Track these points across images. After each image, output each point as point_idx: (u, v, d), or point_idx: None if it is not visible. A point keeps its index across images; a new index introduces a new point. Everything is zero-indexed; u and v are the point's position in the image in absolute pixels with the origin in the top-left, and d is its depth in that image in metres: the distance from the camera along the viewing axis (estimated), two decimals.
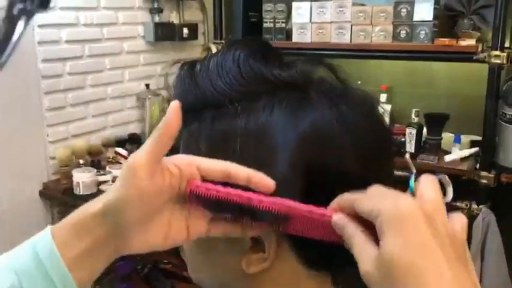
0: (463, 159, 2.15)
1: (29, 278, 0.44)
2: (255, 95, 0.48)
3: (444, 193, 1.99)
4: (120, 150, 2.42)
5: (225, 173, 0.45)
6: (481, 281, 1.89)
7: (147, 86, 2.63)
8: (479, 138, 2.14)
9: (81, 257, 0.45)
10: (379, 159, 0.49)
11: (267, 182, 0.44)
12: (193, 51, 2.85)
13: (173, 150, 0.48)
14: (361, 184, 0.42)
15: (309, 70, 0.50)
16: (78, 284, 0.45)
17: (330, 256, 0.49)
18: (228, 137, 0.47)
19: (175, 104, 0.44)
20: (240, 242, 0.49)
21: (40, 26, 2.14)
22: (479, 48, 2.02)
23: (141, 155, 0.43)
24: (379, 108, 0.52)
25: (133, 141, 2.48)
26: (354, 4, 2.30)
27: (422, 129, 2.23)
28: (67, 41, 2.26)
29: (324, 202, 0.45)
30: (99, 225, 0.45)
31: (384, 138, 0.51)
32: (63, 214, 2.31)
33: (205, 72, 0.49)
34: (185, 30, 2.71)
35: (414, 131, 2.19)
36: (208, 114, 0.48)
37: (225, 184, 0.45)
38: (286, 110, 0.46)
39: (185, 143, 0.50)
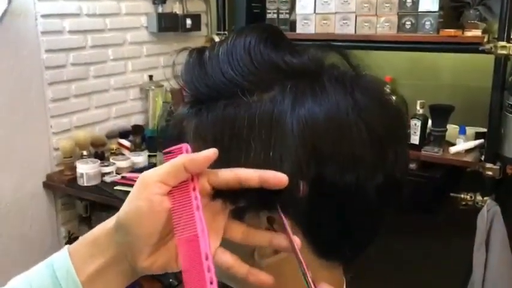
0: (468, 151, 2.14)
1: None
2: (267, 84, 0.46)
3: None
4: (124, 141, 2.42)
5: (235, 180, 0.43)
6: (485, 273, 1.89)
7: (151, 77, 2.62)
8: (484, 129, 2.13)
9: (95, 276, 0.44)
10: (394, 144, 0.48)
11: (280, 178, 0.42)
12: (196, 42, 2.83)
13: (178, 139, 0.47)
14: (377, 170, 0.42)
15: (320, 56, 0.49)
16: None
17: (341, 245, 0.49)
18: (240, 128, 0.45)
19: (212, 153, 0.43)
20: None
21: (43, 16, 2.13)
22: (485, 39, 2.00)
23: (155, 172, 0.43)
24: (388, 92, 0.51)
25: (137, 133, 2.47)
26: None
27: (427, 121, 2.22)
28: (70, 31, 2.25)
29: (337, 191, 0.44)
30: (111, 243, 0.44)
31: (398, 122, 0.50)
32: (67, 205, 2.32)
33: (214, 60, 0.48)
34: (188, 21, 2.69)
35: (419, 123, 2.17)
36: (220, 105, 0.47)
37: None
38: (300, 99, 0.45)
39: (194, 134, 0.49)
